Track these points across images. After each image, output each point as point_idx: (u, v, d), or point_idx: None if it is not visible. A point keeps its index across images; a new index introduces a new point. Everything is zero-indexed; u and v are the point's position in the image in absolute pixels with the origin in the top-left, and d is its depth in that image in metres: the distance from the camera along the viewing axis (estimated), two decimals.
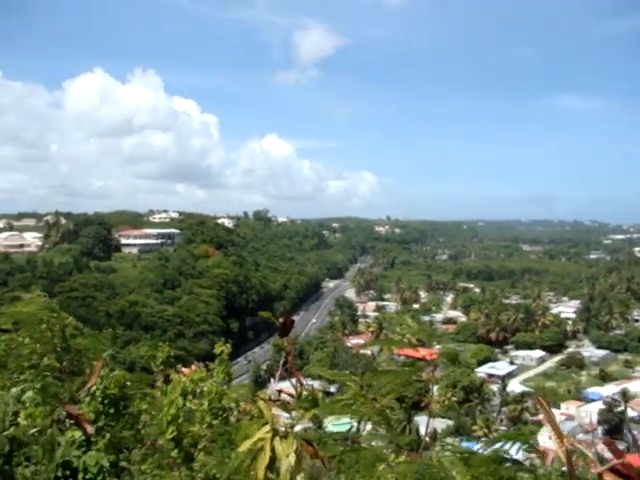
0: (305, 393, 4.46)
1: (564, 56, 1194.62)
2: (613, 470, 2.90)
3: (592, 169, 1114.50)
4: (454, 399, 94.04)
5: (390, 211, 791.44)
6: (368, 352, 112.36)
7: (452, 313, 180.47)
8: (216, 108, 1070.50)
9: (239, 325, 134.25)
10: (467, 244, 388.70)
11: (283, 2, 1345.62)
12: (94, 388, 5.21)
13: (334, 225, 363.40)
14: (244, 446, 3.80)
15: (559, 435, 3.11)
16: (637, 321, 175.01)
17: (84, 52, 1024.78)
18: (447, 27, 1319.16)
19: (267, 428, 3.80)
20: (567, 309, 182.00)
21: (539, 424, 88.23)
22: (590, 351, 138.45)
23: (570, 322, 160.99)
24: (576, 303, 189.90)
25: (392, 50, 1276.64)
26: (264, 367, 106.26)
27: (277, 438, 3.72)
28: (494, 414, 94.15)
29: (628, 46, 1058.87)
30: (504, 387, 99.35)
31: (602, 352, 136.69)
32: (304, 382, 4.52)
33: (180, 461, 5.44)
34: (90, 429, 4.69)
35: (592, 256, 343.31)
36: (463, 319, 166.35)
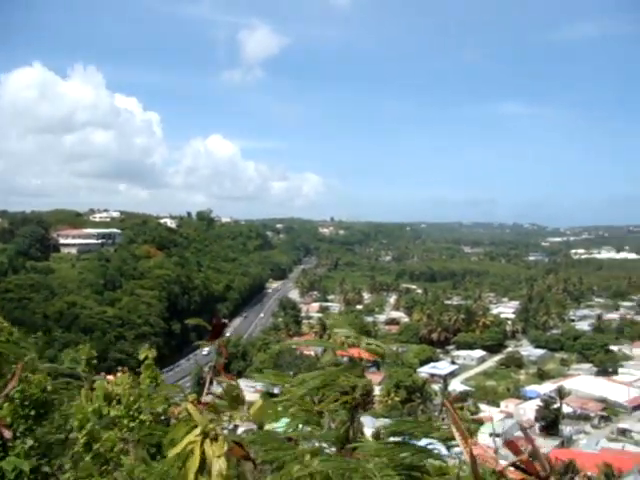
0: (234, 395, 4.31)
1: (507, 63, 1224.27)
2: (520, 468, 3.04)
3: (531, 174, 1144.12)
4: (397, 399, 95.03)
5: (334, 212, 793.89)
6: (312, 353, 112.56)
7: (395, 314, 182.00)
8: (159, 106, 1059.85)
9: (181, 327, 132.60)
10: (410, 246, 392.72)
11: (229, 0, 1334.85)
12: (13, 392, 4.95)
13: (278, 226, 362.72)
14: (174, 450, 3.64)
15: (463, 436, 3.13)
16: (573, 321, 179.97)
17: (21, 45, 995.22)
18: (392, 30, 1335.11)
19: (197, 431, 3.64)
20: (507, 310, 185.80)
21: (480, 422, 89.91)
22: (528, 350, 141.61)
23: (509, 322, 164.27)
24: (515, 304, 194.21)
25: (338, 52, 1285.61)
26: (206, 369, 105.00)
27: (207, 441, 3.56)
28: (436, 413, 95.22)
29: (567, 56, 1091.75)
30: (446, 386, 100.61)
31: (540, 351, 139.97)
32: (235, 383, 4.36)
33: (97, 466, 5.20)
34: (7, 434, 4.43)
35: (531, 258, 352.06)
36: (406, 320, 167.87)
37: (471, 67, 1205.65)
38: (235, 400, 4.13)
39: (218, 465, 3.39)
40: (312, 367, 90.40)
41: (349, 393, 4.91)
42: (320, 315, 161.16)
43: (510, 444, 3.06)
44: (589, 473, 65.01)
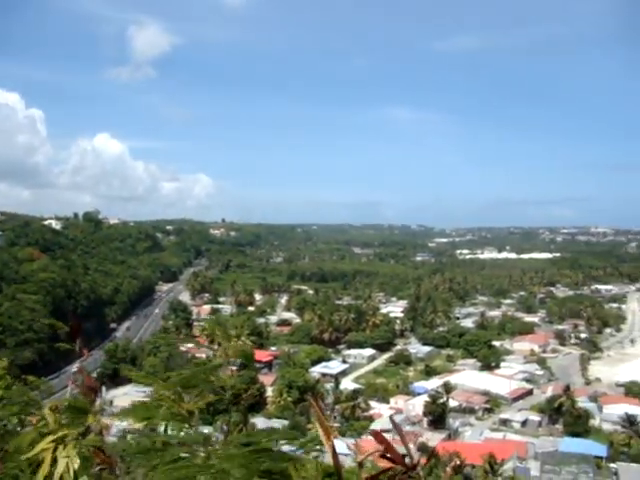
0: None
1: (395, 69, 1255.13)
2: (387, 458, 3.15)
3: (419, 177, 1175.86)
4: (289, 399, 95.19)
5: (226, 214, 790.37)
6: (203, 355, 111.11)
7: (287, 315, 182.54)
8: (44, 103, 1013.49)
9: (68, 332, 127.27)
10: (301, 247, 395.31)
11: None
12: None
13: (168, 227, 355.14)
14: (25, 457, 3.56)
15: (326, 432, 3.21)
16: (458, 318, 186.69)
17: None
18: (284, 32, 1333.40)
19: (50, 438, 3.52)
20: (396, 309, 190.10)
21: (370, 419, 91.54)
22: (416, 348, 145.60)
23: (398, 321, 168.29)
24: (404, 303, 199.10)
25: (229, 52, 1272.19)
26: (95, 375, 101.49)
27: (60, 447, 3.44)
28: (328, 412, 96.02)
29: (454, 64, 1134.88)
30: (337, 385, 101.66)
31: (427, 348, 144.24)
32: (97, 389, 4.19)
33: None
34: None
35: (418, 258, 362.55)
36: (297, 320, 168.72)
37: (360, 71, 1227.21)
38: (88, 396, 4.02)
39: (61, 467, 3.32)
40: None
41: (220, 393, 4.83)
42: (211, 317, 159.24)
43: (375, 435, 3.14)
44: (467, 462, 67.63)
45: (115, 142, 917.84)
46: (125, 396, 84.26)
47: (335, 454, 3.16)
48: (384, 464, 3.14)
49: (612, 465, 76.36)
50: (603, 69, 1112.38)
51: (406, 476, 3.17)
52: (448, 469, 62.90)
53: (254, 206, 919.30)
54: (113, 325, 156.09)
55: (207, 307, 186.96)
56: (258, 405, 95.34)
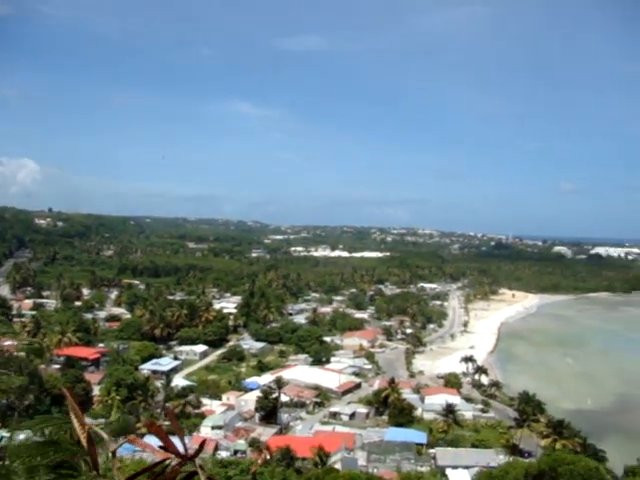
0: None
1: (239, 63, 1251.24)
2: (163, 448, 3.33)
3: (257, 173, 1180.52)
4: (118, 398, 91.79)
5: (53, 203, 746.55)
6: (23, 354, 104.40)
7: (116, 310, 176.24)
8: None
9: None
10: (134, 240, 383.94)
11: None
12: None
13: None
14: None
15: (81, 423, 3.28)
16: (291, 314, 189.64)
17: None
18: (122, 14, 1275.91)
19: None
20: (229, 304, 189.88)
21: (202, 416, 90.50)
22: (249, 344, 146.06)
23: (232, 317, 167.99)
24: (238, 299, 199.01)
25: (67, 30, 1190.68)
26: None
27: None
28: (158, 410, 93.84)
29: (297, 63, 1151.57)
30: (168, 382, 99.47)
31: (260, 344, 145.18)
32: None
33: None
34: None
35: (253, 254, 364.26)
36: (128, 316, 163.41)
37: (204, 64, 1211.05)
38: None
39: None
40: (24, 368, 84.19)
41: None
42: (34, 312, 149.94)
43: (150, 425, 3.31)
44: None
45: None
46: None
47: (91, 445, 3.15)
48: (162, 455, 3.30)
49: (431, 450, 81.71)
50: (435, 81, 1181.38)
51: (180, 467, 3.33)
52: (259, 461, 63.74)
53: (85, 196, 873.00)
54: None
55: (29, 301, 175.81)
56: (83, 405, 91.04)
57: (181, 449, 3.53)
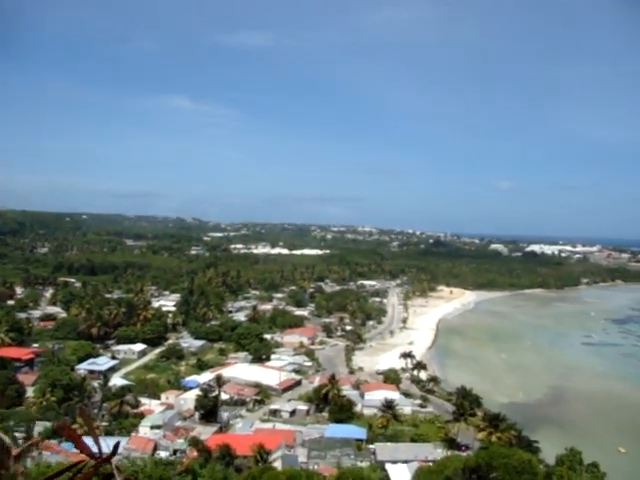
0: None
1: (174, 58, 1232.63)
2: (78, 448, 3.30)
3: (196, 169, 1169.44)
4: (53, 399, 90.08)
5: None
6: None
7: (51, 309, 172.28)
8: None
9: None
10: (70, 237, 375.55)
11: None
12: None
13: None
14: None
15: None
16: (231, 312, 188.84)
17: None
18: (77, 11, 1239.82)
19: None
20: (168, 302, 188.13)
21: (141, 416, 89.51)
22: (189, 342, 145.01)
23: (170, 315, 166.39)
24: (177, 296, 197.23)
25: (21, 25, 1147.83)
26: None
27: None
28: (96, 410, 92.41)
29: (239, 60, 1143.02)
30: (105, 382, 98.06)
31: (200, 342, 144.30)
32: None
33: None
34: None
35: (193, 252, 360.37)
36: (63, 315, 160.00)
37: (142, 59, 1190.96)
38: None
39: None
40: None
41: None
42: None
43: (62, 428, 3.36)
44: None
45: None
46: None
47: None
48: (77, 458, 3.23)
49: (371, 446, 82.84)
50: (375, 79, 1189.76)
51: (94, 469, 3.26)
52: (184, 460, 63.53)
53: (18, 191, 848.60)
54: None
55: None
56: (14, 407, 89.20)
57: (96, 451, 3.52)
